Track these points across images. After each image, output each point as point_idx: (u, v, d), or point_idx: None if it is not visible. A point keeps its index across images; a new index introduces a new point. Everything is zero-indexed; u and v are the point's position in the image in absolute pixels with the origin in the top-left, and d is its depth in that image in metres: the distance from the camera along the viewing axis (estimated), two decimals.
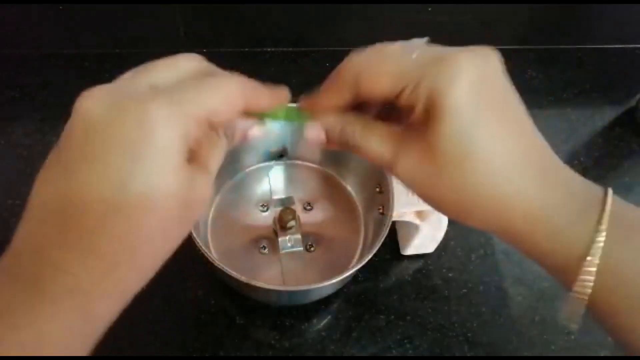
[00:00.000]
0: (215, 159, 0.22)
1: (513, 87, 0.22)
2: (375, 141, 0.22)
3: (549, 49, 0.61)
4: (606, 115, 0.56)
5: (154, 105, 0.19)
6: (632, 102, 0.57)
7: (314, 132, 0.24)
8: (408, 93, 0.20)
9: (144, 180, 0.18)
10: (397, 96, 0.21)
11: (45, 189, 0.20)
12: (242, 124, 0.24)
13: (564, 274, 0.21)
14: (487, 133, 0.20)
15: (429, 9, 0.55)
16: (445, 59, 0.20)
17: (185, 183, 0.20)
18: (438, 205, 0.22)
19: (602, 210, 0.20)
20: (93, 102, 0.19)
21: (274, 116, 0.25)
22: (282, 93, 0.25)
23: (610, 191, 0.21)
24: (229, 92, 0.21)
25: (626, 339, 0.22)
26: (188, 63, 0.22)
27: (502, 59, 0.22)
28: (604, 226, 0.20)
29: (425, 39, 0.22)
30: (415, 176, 0.22)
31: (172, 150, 0.19)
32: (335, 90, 0.23)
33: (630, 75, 0.60)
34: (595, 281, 0.20)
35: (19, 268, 0.19)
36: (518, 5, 0.56)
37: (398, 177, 0.22)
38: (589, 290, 0.21)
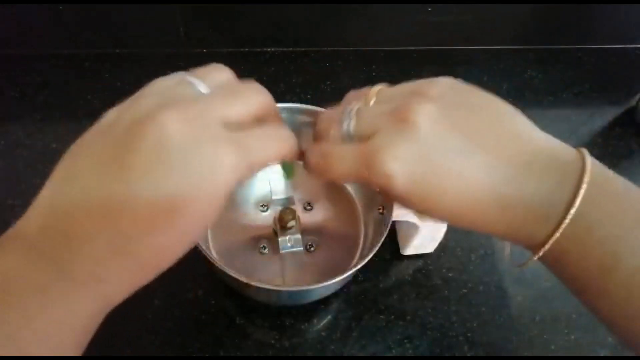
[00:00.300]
0: None
1: (457, 101, 0.23)
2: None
3: (549, 49, 0.61)
4: (606, 115, 0.56)
5: (226, 152, 0.21)
6: (632, 102, 0.57)
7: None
8: (364, 184, 0.24)
9: (193, 204, 0.20)
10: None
11: (93, 178, 0.20)
12: None
13: (533, 249, 0.23)
14: (442, 183, 0.22)
15: (429, 9, 0.55)
16: (373, 161, 0.22)
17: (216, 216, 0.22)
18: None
19: (575, 195, 0.21)
20: (174, 124, 0.20)
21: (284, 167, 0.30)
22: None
23: (588, 164, 0.22)
24: (284, 148, 0.24)
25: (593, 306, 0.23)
26: (257, 98, 0.24)
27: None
28: (569, 218, 0.21)
29: (357, 106, 0.25)
30: (405, 206, 0.25)
31: (225, 189, 0.21)
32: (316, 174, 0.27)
33: (630, 75, 0.60)
34: (559, 250, 0.22)
35: (50, 248, 0.20)
36: (518, 5, 0.56)
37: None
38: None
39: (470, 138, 0.22)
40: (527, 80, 0.59)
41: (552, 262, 0.23)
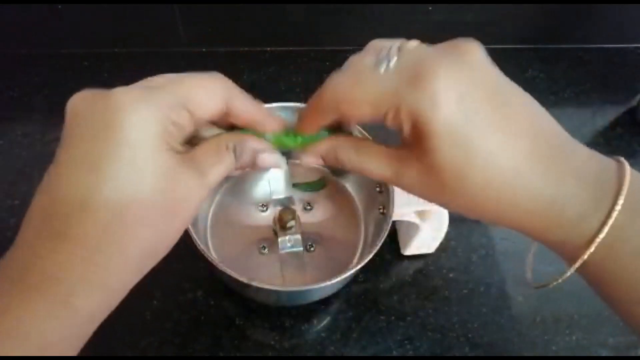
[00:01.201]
0: (216, 168, 0.23)
1: (502, 76, 0.21)
2: (372, 163, 0.23)
3: (550, 49, 0.61)
4: (607, 115, 0.56)
5: (124, 92, 0.20)
6: (633, 102, 0.57)
7: (311, 159, 0.25)
8: (391, 118, 0.20)
9: (121, 165, 0.19)
10: (382, 118, 0.21)
11: (41, 189, 0.20)
12: (254, 145, 0.24)
13: (569, 254, 0.21)
14: (483, 142, 0.19)
15: (430, 8, 0.55)
16: (422, 78, 0.19)
17: (168, 172, 0.20)
18: (447, 208, 0.22)
19: (618, 194, 0.19)
20: (78, 100, 0.20)
21: (276, 142, 0.25)
22: (272, 118, 0.25)
23: (627, 172, 0.20)
24: (205, 82, 0.22)
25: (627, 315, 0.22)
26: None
27: (488, 54, 0.21)
28: (615, 213, 0.19)
29: (399, 43, 0.21)
30: (420, 189, 0.22)
31: (140, 135, 0.19)
32: (318, 115, 0.23)
33: (632, 74, 0.60)
34: (599, 258, 0.20)
35: (9, 263, 0.19)
36: (519, 5, 0.56)
37: (404, 190, 0.22)
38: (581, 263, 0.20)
39: (519, 103, 0.20)
40: (528, 79, 0.58)
41: (591, 275, 0.21)
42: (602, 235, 0.19)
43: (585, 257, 0.20)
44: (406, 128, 0.20)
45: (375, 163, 0.22)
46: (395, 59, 0.20)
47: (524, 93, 0.21)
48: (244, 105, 0.23)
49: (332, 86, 0.21)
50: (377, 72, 0.20)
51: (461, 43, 0.20)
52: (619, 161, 0.21)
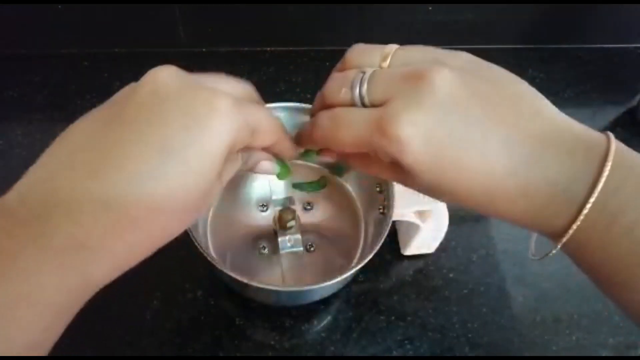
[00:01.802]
0: (229, 172, 0.24)
1: (474, 75, 0.22)
2: (379, 172, 0.25)
3: (550, 49, 0.61)
4: (607, 115, 0.56)
5: (222, 96, 0.21)
6: (633, 102, 0.57)
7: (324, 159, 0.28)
8: (372, 154, 0.23)
9: (187, 162, 0.20)
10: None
11: (88, 133, 0.21)
12: (260, 156, 0.27)
13: (559, 233, 0.22)
14: (459, 161, 0.21)
15: (429, 8, 0.55)
16: (388, 125, 0.21)
17: (212, 182, 0.21)
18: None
19: (602, 167, 0.20)
20: (169, 73, 0.21)
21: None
22: (292, 148, 0.28)
23: (612, 144, 0.20)
24: (274, 121, 0.25)
25: (615, 292, 0.22)
26: (245, 85, 0.25)
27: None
28: (600, 184, 0.20)
29: (370, 72, 0.23)
30: (424, 193, 0.24)
31: (219, 141, 0.21)
32: (316, 145, 0.27)
33: (632, 75, 0.60)
34: (586, 236, 0.21)
35: (27, 214, 0.19)
36: (519, 5, 0.56)
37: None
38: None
39: (490, 110, 0.21)
40: (528, 79, 0.57)
41: (574, 251, 0.22)
42: (589, 206, 0.20)
43: (575, 226, 0.20)
44: (387, 160, 0.22)
45: (382, 172, 0.25)
46: (365, 87, 0.23)
47: (505, 80, 0.23)
48: (283, 146, 0.26)
49: (319, 129, 0.24)
50: (351, 112, 0.23)
51: (422, 71, 0.21)
52: (605, 134, 0.21)
